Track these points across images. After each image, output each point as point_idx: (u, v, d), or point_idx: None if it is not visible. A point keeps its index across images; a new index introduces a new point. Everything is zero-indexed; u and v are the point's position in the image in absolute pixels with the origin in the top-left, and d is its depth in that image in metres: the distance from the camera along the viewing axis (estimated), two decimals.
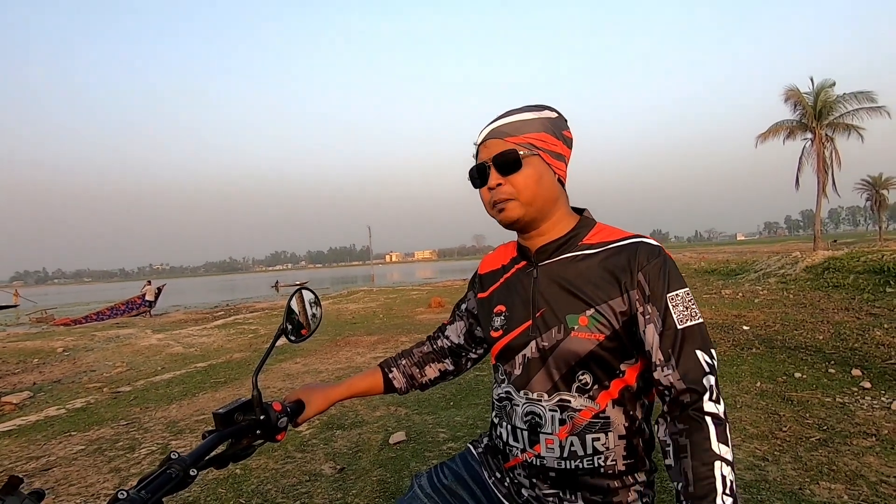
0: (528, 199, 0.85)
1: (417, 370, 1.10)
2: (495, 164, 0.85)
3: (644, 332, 0.81)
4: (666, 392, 0.79)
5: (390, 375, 1.08)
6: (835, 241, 45.14)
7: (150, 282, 20.78)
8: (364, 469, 2.82)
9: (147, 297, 20.05)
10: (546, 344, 0.85)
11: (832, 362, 4.50)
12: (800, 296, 8.52)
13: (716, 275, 13.58)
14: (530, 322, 0.88)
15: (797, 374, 4.21)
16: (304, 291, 1.07)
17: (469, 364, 1.13)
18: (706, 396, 0.75)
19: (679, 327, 0.78)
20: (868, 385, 3.80)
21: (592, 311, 0.82)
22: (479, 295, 1.03)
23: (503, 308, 0.94)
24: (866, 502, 2.17)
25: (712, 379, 0.77)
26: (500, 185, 0.85)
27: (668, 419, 0.79)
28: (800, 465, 2.57)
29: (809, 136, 24.26)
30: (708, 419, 0.74)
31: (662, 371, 0.79)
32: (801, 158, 24.84)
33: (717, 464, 0.72)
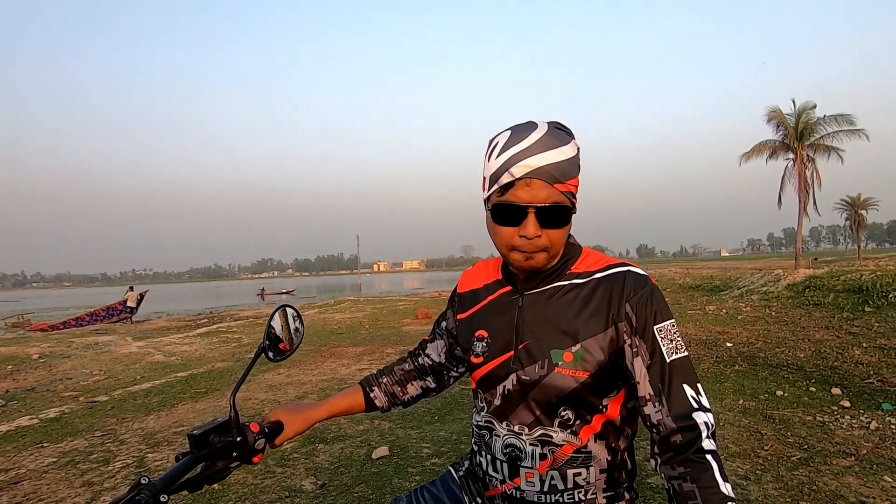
0: (557, 252, 0.83)
1: (399, 388, 1.08)
2: (538, 214, 0.78)
3: (632, 364, 0.79)
4: (655, 430, 0.77)
5: (371, 395, 1.06)
6: (815, 258, 46.07)
7: (132, 287, 20.41)
8: (346, 485, 2.77)
9: (129, 304, 19.68)
10: (528, 378, 0.82)
11: (813, 380, 4.56)
12: (782, 313, 8.64)
13: (700, 290, 13.74)
14: (512, 353, 0.85)
15: (779, 392, 4.25)
16: (286, 308, 1.05)
17: (451, 380, 1.12)
18: (703, 434, 0.73)
19: (668, 360, 0.77)
20: (847, 404, 3.85)
21: (578, 346, 0.80)
22: (459, 315, 0.99)
23: (485, 334, 0.91)
24: None
25: (704, 415, 0.75)
26: (538, 236, 0.78)
27: (663, 460, 0.76)
28: (781, 485, 2.58)
29: (791, 156, 24.82)
30: (710, 458, 0.72)
31: (653, 406, 0.77)
32: (783, 177, 25.38)
33: None
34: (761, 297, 10.51)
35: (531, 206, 0.77)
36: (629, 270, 0.83)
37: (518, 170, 0.77)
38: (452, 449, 3.21)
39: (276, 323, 1.01)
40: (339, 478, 2.87)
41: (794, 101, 24.73)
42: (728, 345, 6.35)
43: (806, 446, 3.09)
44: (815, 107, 24.19)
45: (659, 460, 0.77)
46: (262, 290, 50.42)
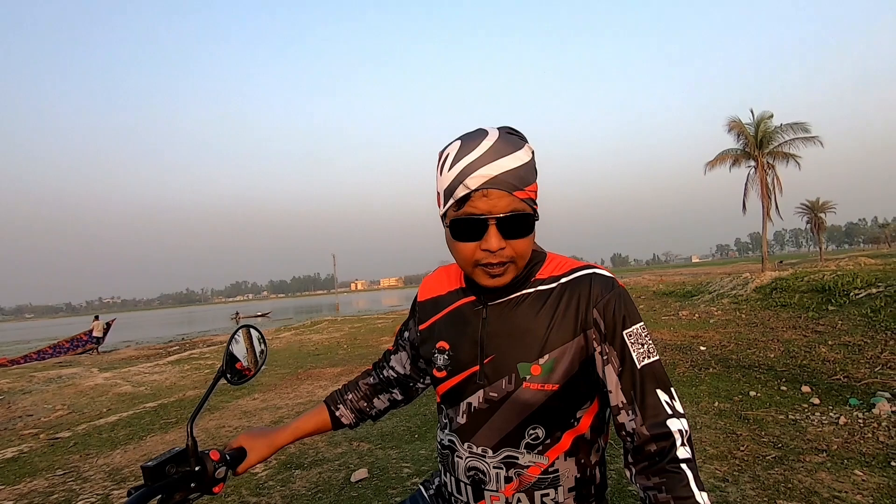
0: (524, 263, 0.78)
1: (365, 403, 1.04)
2: (500, 225, 0.73)
3: (603, 372, 0.76)
4: (629, 439, 0.75)
5: (337, 413, 1.02)
6: (781, 261, 47.75)
7: (97, 317, 19.64)
8: None
9: (94, 334, 18.91)
10: (495, 395, 0.78)
11: (783, 380, 4.67)
12: (751, 315, 8.87)
13: (673, 296, 14.02)
14: (478, 368, 0.81)
15: (752, 393, 4.34)
16: (249, 329, 1.02)
17: (419, 392, 1.07)
18: (678, 442, 0.71)
19: (639, 366, 0.74)
20: (817, 401, 3.95)
21: (546, 358, 0.76)
22: (420, 325, 0.93)
23: (446, 346, 0.86)
24: None
25: (677, 422, 0.72)
26: (501, 249, 0.73)
27: (637, 470, 0.74)
28: (758, 485, 2.61)
29: (752, 163, 25.84)
30: (684, 466, 0.70)
31: (626, 415, 0.74)
32: (746, 185, 26.36)
33: None
34: (731, 301, 10.79)
35: (491, 216, 0.72)
36: (595, 273, 0.79)
37: (473, 181, 0.72)
38: (434, 468, 3.15)
39: (237, 344, 0.97)
40: None
41: (752, 112, 25.86)
42: (702, 348, 6.47)
43: (780, 445, 3.15)
44: (772, 116, 25.34)
45: (633, 471, 0.74)
46: (237, 313, 49.26)
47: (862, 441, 3.09)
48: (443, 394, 0.87)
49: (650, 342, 0.77)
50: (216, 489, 0.85)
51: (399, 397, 1.06)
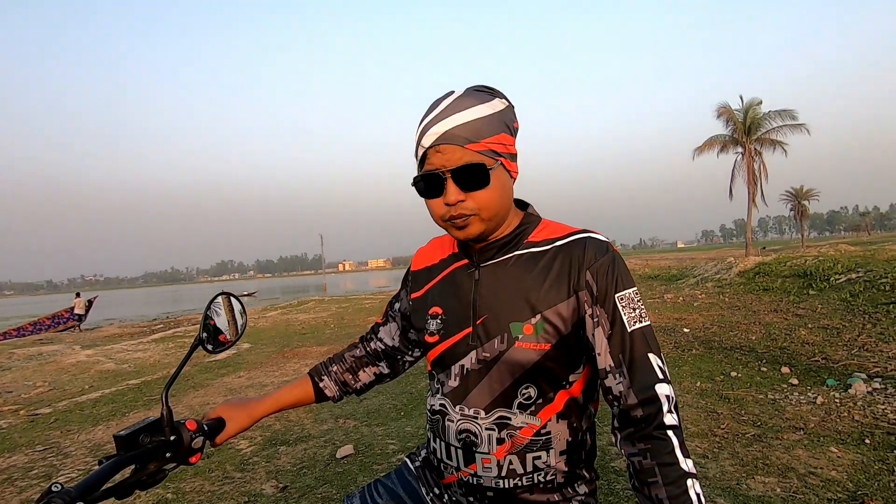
0: (491, 215, 0.77)
1: (350, 376, 1.02)
2: (455, 178, 0.74)
3: (593, 335, 0.76)
4: (616, 402, 0.74)
5: (321, 384, 1.00)
6: (764, 247, 48.57)
7: (79, 294, 19.32)
8: (308, 486, 2.68)
9: (76, 311, 18.62)
10: (488, 355, 0.78)
11: (764, 361, 4.77)
12: (734, 299, 9.02)
13: (659, 280, 14.21)
14: (470, 329, 0.81)
15: (733, 373, 4.42)
16: (230, 297, 0.98)
17: (406, 366, 1.06)
18: (665, 408, 0.71)
19: (629, 330, 0.74)
20: (796, 381, 4.04)
21: (538, 318, 0.76)
22: (413, 294, 0.94)
23: (440, 310, 0.86)
24: (796, 494, 2.27)
25: (666, 388, 0.72)
26: (461, 201, 0.75)
27: (623, 435, 0.74)
28: (737, 461, 2.67)
29: (740, 150, 26.01)
30: (671, 433, 0.70)
31: (614, 378, 0.74)
32: (733, 171, 26.57)
33: (690, 482, 0.68)
34: (715, 285, 10.95)
35: (444, 170, 0.74)
36: (590, 237, 0.79)
37: (427, 139, 0.75)
38: (419, 444, 3.17)
39: (216, 312, 0.93)
40: (301, 479, 2.78)
41: (741, 98, 25.93)
42: (685, 330, 6.57)
43: (759, 423, 3.22)
44: (760, 103, 25.43)
45: (619, 436, 0.74)
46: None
47: (838, 420, 3.17)
48: (434, 359, 0.86)
49: (642, 307, 0.76)
50: (193, 459, 0.82)
51: (385, 371, 1.04)
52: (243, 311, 0.97)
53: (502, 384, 0.78)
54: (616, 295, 0.75)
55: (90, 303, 19.47)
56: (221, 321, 0.93)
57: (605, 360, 0.75)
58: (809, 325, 6.09)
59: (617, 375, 0.74)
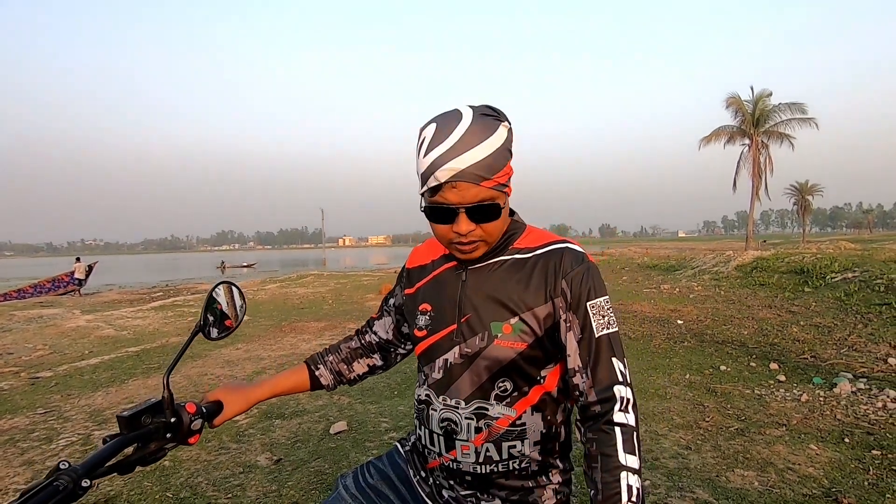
0: (494, 239, 0.86)
1: (345, 366, 1.07)
2: (469, 212, 0.80)
3: (565, 338, 0.83)
4: (579, 398, 0.82)
5: (317, 373, 1.05)
6: (764, 241, 48.61)
7: (79, 259, 19.41)
8: (302, 460, 2.76)
9: (76, 275, 18.74)
10: (469, 350, 0.85)
11: (754, 356, 4.84)
12: (730, 293, 9.09)
13: (657, 270, 14.26)
14: (455, 326, 0.88)
15: (722, 367, 4.49)
16: (231, 286, 1.01)
17: (399, 358, 1.12)
18: (616, 407, 0.78)
19: (597, 335, 0.81)
20: (783, 378, 4.11)
21: (517, 319, 0.83)
22: (407, 291, 1.01)
23: (429, 307, 0.93)
24: (773, 488, 2.35)
25: (623, 389, 0.79)
26: (471, 231, 0.81)
27: (584, 427, 0.82)
28: (718, 454, 2.75)
29: (747, 141, 25.78)
30: (617, 430, 0.77)
31: (580, 377, 0.82)
32: (738, 163, 26.39)
33: (623, 474, 0.75)
34: (712, 277, 11.00)
35: (460, 206, 0.79)
36: (567, 248, 0.86)
37: (443, 174, 0.78)
38: (411, 423, 3.25)
39: (218, 299, 0.96)
40: (295, 453, 2.86)
41: (752, 88, 25.60)
42: (679, 322, 6.65)
43: (743, 418, 3.29)
44: (770, 94, 25.11)
45: (580, 427, 0.83)
46: (223, 263, 48.98)
47: (820, 418, 3.24)
48: (422, 352, 0.94)
49: (611, 315, 0.84)
50: (191, 440, 0.86)
51: (379, 363, 1.10)
52: (243, 301, 1.00)
53: (481, 377, 0.85)
54: (588, 303, 0.82)
55: (90, 268, 19.57)
56: (222, 309, 0.97)
57: (574, 360, 0.82)
58: (802, 323, 6.16)
59: (582, 375, 0.82)
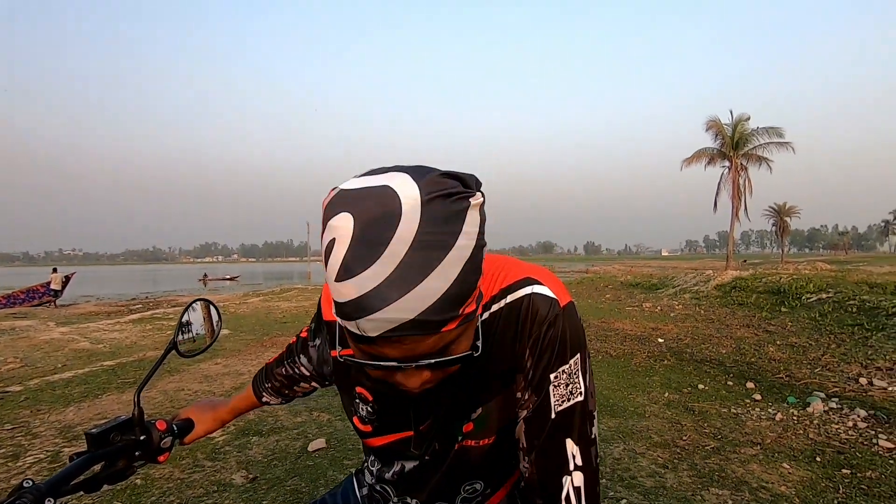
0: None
1: (287, 390, 1.01)
2: (424, 366, 0.54)
3: (517, 413, 0.68)
4: (523, 481, 0.68)
5: (263, 400, 1.03)
6: (744, 260, 49.59)
7: (55, 270, 18.97)
8: (278, 478, 2.72)
9: (52, 286, 18.29)
10: (429, 458, 0.72)
11: (731, 375, 4.92)
12: (710, 311, 9.24)
13: (639, 288, 14.44)
14: (411, 433, 0.72)
15: (700, 386, 4.56)
16: (209, 304, 1.02)
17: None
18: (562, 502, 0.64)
19: (553, 413, 0.64)
20: (759, 397, 4.19)
21: (479, 411, 0.68)
22: (333, 352, 0.77)
23: (368, 396, 0.74)
24: None
25: (576, 478, 0.64)
26: (426, 382, 0.56)
27: None
28: (695, 473, 2.78)
29: (727, 163, 26.49)
30: None
31: (524, 459, 0.67)
32: (719, 184, 27.07)
33: None
34: (692, 296, 11.18)
35: (408, 362, 0.52)
36: (532, 294, 0.64)
37: (372, 326, 0.47)
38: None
39: (192, 317, 0.97)
40: (271, 471, 2.82)
41: (731, 112, 26.40)
42: (660, 340, 6.73)
43: (720, 436, 3.34)
44: (748, 118, 25.93)
45: None
46: (205, 275, 48.30)
47: (794, 437, 3.30)
48: (368, 447, 0.80)
49: (579, 379, 0.65)
50: (161, 458, 0.86)
51: (318, 384, 0.98)
52: (220, 319, 1.01)
53: (443, 485, 0.73)
54: (552, 374, 0.64)
55: (67, 279, 19.13)
56: (197, 327, 0.97)
57: (521, 440, 0.68)
58: (778, 342, 6.28)
59: (526, 459, 0.67)
